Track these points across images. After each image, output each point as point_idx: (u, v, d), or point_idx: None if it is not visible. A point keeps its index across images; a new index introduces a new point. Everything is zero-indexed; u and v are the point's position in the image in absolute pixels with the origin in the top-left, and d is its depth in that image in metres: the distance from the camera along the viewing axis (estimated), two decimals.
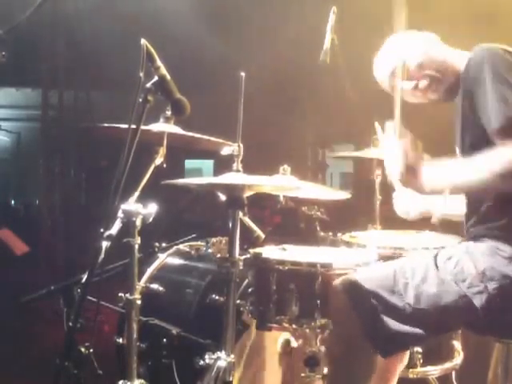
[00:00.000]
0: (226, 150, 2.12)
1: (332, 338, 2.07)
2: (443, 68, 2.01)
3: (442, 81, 2.01)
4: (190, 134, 2.18)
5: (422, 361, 2.28)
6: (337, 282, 1.98)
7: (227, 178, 2.05)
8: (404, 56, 2.03)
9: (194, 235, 3.22)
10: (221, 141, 2.22)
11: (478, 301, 1.74)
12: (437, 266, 1.85)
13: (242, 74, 2.04)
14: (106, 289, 2.13)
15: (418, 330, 1.83)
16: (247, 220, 2.18)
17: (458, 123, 1.93)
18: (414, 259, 1.97)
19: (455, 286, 1.78)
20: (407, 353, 2.17)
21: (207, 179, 2.26)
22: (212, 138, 2.22)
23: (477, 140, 1.79)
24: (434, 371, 2.34)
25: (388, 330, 1.85)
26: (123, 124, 1.91)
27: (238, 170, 2.09)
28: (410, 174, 1.79)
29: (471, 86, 1.78)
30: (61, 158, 7.10)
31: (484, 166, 1.65)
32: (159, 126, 2.08)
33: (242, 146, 2.09)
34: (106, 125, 2.17)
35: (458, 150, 1.98)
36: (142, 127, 1.84)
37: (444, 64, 2.01)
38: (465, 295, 1.76)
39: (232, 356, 2.02)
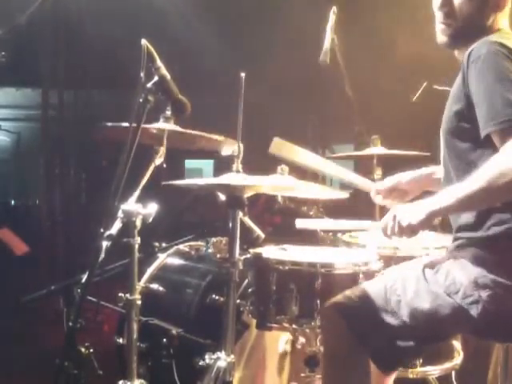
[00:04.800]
0: (226, 150, 2.12)
1: None
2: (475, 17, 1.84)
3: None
4: (190, 132, 2.18)
5: (421, 361, 2.28)
6: (326, 304, 1.93)
7: (227, 179, 2.04)
8: None
9: (193, 235, 3.23)
10: (221, 138, 2.21)
11: (475, 311, 1.70)
12: (426, 280, 1.81)
13: (242, 74, 2.04)
14: (106, 289, 2.13)
15: (415, 345, 1.80)
16: (247, 220, 2.18)
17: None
18: (402, 273, 1.91)
19: (449, 298, 1.74)
20: None
21: (207, 180, 2.25)
22: (213, 136, 2.22)
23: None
24: (433, 371, 2.34)
25: (386, 348, 1.82)
26: (124, 124, 1.91)
27: (238, 171, 2.09)
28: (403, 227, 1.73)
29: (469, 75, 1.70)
30: (61, 158, 7.08)
31: (483, 176, 1.58)
32: (159, 126, 2.08)
33: (242, 145, 2.09)
34: (106, 125, 2.17)
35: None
36: (142, 127, 1.84)
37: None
38: (460, 307, 1.72)
39: (232, 356, 2.02)
